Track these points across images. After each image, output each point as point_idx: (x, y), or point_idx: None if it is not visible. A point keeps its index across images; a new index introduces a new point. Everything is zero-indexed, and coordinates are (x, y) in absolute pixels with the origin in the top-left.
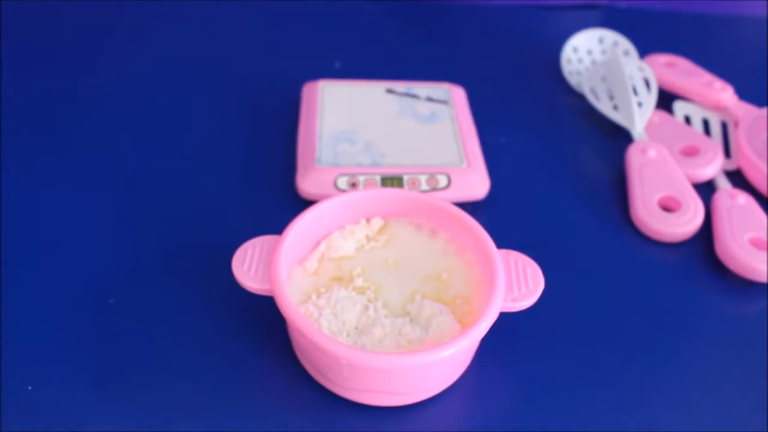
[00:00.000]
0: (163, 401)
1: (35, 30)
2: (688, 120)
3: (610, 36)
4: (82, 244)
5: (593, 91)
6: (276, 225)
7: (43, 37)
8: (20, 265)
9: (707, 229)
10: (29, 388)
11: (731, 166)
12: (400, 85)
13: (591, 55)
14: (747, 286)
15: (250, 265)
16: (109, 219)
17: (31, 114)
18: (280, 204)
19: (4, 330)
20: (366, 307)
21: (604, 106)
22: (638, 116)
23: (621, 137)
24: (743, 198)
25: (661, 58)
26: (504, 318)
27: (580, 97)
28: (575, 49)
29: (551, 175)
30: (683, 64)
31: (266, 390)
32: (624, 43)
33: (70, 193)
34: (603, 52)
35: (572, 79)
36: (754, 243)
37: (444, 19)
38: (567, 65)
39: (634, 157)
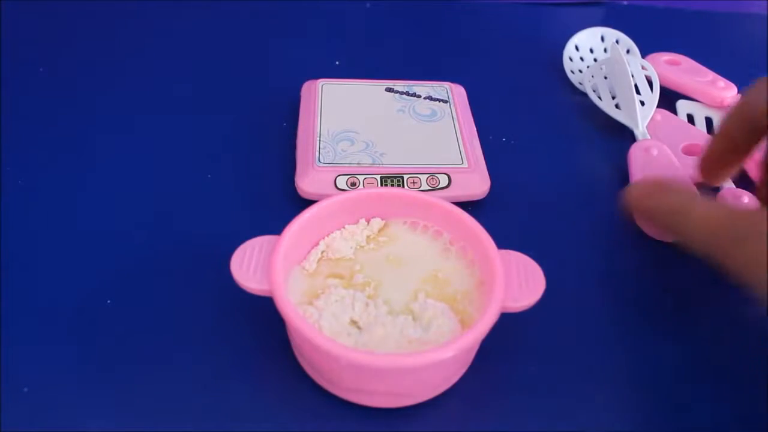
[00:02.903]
0: (162, 402)
1: (34, 28)
2: (690, 119)
3: (611, 34)
4: (80, 244)
5: (595, 89)
6: (275, 225)
7: (42, 37)
8: (18, 265)
9: None
10: (25, 389)
11: None
12: (400, 84)
13: (593, 53)
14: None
15: (249, 265)
16: (106, 218)
17: (30, 113)
18: (280, 204)
19: (3, 331)
20: (366, 304)
21: (606, 105)
22: (641, 115)
23: (623, 136)
24: (747, 198)
25: (664, 56)
26: (505, 318)
27: (581, 96)
28: (577, 48)
29: (552, 175)
30: (686, 62)
31: (265, 391)
32: (626, 41)
33: (68, 192)
34: (605, 50)
35: (574, 78)
36: None
37: (444, 17)
38: (569, 63)
39: (636, 156)
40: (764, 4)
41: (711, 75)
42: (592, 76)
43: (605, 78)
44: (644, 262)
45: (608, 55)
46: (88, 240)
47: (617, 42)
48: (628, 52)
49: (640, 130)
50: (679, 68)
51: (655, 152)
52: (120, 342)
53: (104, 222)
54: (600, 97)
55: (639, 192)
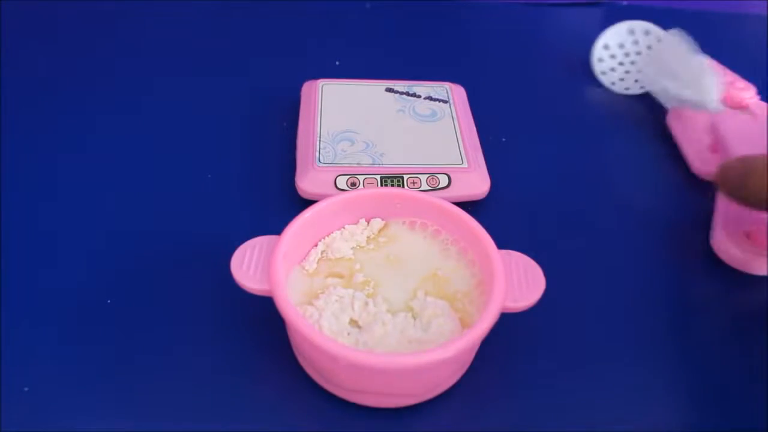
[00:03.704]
0: (162, 402)
1: (34, 28)
2: None
3: (639, 26)
4: (80, 244)
5: (664, 88)
6: (276, 225)
7: (42, 37)
8: (18, 265)
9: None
10: (25, 389)
11: None
12: (400, 84)
13: (623, 48)
14: (746, 282)
15: (249, 265)
16: (107, 218)
17: (30, 113)
18: (280, 204)
19: (3, 331)
20: (366, 303)
21: (675, 86)
22: (716, 87)
23: (622, 136)
24: None
25: None
26: (505, 318)
27: (579, 96)
28: (606, 47)
29: (552, 174)
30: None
31: (265, 391)
32: (656, 31)
33: (68, 192)
34: (635, 42)
35: (605, 79)
36: (749, 236)
37: (444, 17)
38: (599, 64)
39: (728, 125)
40: (764, 4)
41: (730, 75)
42: (658, 75)
43: (662, 70)
44: (644, 262)
45: (662, 40)
46: (88, 240)
47: (647, 33)
48: (658, 40)
49: (715, 103)
50: None
51: (745, 117)
52: (120, 342)
53: (104, 222)
54: (668, 91)
55: (723, 172)
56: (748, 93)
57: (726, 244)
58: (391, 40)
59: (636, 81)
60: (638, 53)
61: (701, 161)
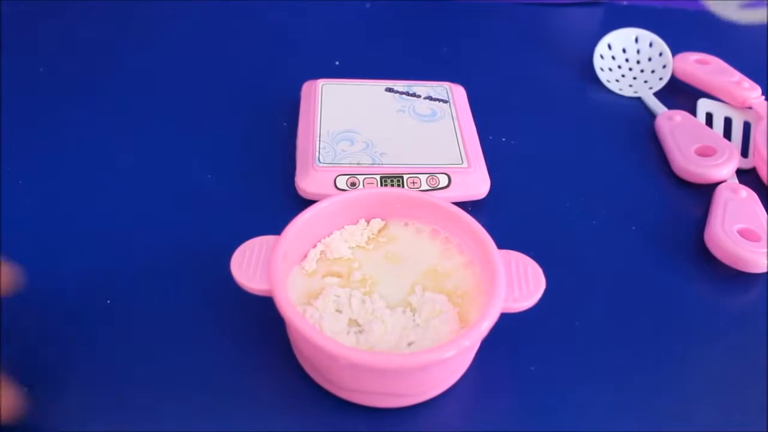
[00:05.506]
0: (161, 402)
1: (34, 28)
2: (709, 117)
3: (645, 36)
4: (80, 244)
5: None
6: (275, 225)
7: (42, 37)
8: (17, 265)
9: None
10: (25, 389)
11: (748, 164)
12: (400, 84)
13: (625, 53)
14: (739, 278)
15: (249, 265)
16: (106, 218)
17: (30, 112)
18: (280, 204)
19: (3, 331)
20: (363, 301)
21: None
22: None
23: (623, 136)
24: (745, 192)
25: (694, 56)
26: (505, 318)
27: (580, 96)
28: (609, 46)
29: (552, 174)
30: (715, 62)
31: (265, 391)
32: (660, 44)
33: (68, 192)
34: (638, 51)
35: (602, 75)
36: (743, 233)
37: (444, 17)
38: (599, 60)
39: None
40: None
41: (737, 75)
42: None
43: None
44: (644, 262)
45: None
46: (88, 240)
47: (651, 45)
48: (660, 55)
49: None
50: (707, 68)
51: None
52: (120, 342)
53: (104, 222)
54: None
55: None
56: (753, 93)
57: (720, 241)
58: (391, 40)
59: (630, 86)
60: (638, 62)
61: (686, 164)
